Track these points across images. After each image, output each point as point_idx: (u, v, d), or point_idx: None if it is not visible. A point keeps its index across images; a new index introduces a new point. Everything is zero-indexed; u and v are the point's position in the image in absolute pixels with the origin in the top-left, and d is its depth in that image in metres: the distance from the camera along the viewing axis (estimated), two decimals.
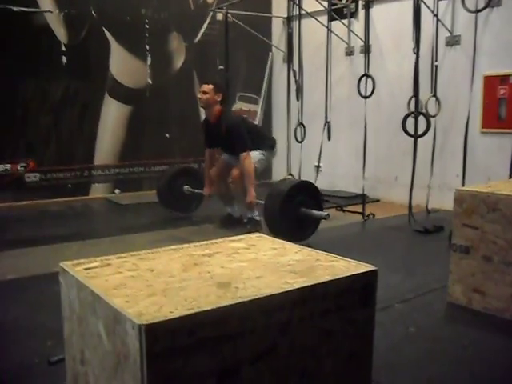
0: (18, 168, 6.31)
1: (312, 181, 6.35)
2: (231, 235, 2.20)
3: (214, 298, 1.41)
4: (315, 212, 4.43)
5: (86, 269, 1.69)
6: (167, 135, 7.38)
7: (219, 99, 4.92)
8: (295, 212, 4.37)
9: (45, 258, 4.00)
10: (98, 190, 6.93)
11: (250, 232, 3.10)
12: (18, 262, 3.96)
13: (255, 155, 4.94)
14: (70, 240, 4.57)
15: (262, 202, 4.57)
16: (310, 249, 1.93)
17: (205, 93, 4.89)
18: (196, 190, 5.56)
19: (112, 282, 1.56)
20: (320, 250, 1.92)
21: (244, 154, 4.76)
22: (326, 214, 4.43)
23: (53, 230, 5.14)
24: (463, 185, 5.14)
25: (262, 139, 5.16)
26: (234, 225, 5.08)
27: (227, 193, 5.10)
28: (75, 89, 6.59)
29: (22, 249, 4.31)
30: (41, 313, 2.92)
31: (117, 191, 7.03)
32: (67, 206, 6.34)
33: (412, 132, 5.10)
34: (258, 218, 4.91)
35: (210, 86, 4.90)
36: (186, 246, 1.98)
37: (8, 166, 6.23)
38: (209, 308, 1.34)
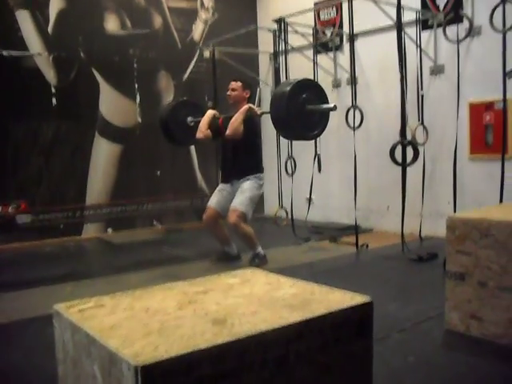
0: (10, 209, 6.29)
1: (304, 213, 6.40)
2: (227, 271, 2.19)
3: (210, 336, 1.40)
4: (322, 106, 4.44)
5: (80, 310, 1.68)
6: (158, 173, 7.40)
7: (247, 96, 4.95)
8: (302, 110, 4.37)
9: (38, 300, 3.96)
10: (90, 230, 6.89)
11: (258, 266, 3.09)
12: (10, 306, 3.91)
13: (254, 184, 4.86)
14: (64, 281, 4.53)
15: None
16: (304, 282, 1.93)
17: (233, 90, 4.91)
18: (199, 118, 5.46)
19: (107, 322, 1.55)
20: (315, 282, 1.92)
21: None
22: (332, 105, 4.42)
23: (45, 271, 5.10)
24: (455, 211, 5.17)
25: (260, 161, 5.14)
26: (232, 262, 4.98)
27: (222, 234, 5.03)
28: (66, 129, 6.63)
29: (15, 292, 4.26)
30: (35, 356, 2.88)
31: (109, 230, 7.00)
32: (60, 247, 6.30)
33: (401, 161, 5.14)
34: (262, 253, 4.87)
35: (239, 83, 4.93)
36: (180, 283, 1.97)
37: None
38: (205, 346, 1.33)
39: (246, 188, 4.81)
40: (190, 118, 5.64)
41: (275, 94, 4.51)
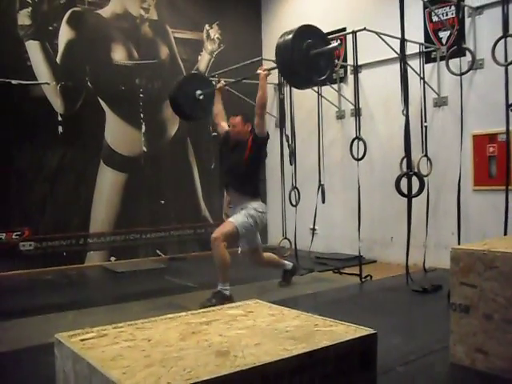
0: (13, 236, 6.29)
1: (307, 244, 6.39)
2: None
3: (213, 367, 1.39)
4: (325, 47, 4.52)
5: (81, 340, 1.67)
6: (162, 202, 7.41)
7: (249, 129, 4.90)
8: (307, 55, 4.45)
9: (39, 328, 3.93)
10: (93, 258, 6.88)
11: (214, 306, 2.95)
12: (11, 334, 3.88)
13: (256, 209, 4.81)
14: (66, 309, 4.50)
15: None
16: (308, 314, 1.91)
17: (234, 126, 4.88)
18: (208, 90, 5.57)
19: (109, 353, 1.54)
20: (318, 314, 1.90)
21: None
22: (336, 43, 4.56)
23: (48, 299, 5.07)
24: (459, 243, 5.14)
25: (259, 188, 5.14)
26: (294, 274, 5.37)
27: (269, 263, 5.25)
28: (71, 157, 6.67)
29: (16, 319, 4.23)
30: None
31: (112, 259, 6.99)
32: (62, 275, 6.28)
33: (406, 192, 5.14)
34: (227, 293, 4.56)
35: (238, 119, 4.87)
36: (183, 314, 1.96)
37: (3, 235, 6.21)
38: (207, 378, 1.32)
39: (237, 217, 4.74)
40: (198, 92, 5.67)
41: (279, 45, 4.57)
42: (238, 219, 4.71)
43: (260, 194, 5.03)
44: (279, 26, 8.08)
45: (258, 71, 4.89)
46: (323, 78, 4.66)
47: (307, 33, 4.58)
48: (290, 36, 4.45)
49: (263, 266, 5.26)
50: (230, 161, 4.96)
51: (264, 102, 4.82)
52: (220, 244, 4.58)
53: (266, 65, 7.61)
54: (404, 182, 5.11)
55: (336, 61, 7.16)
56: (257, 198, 4.90)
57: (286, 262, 5.39)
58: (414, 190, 5.10)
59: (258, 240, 5.01)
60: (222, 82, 5.37)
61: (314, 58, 4.51)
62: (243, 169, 4.80)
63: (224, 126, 5.14)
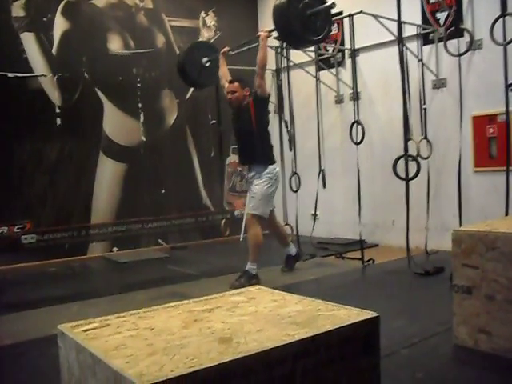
0: (15, 230, 6.30)
1: (309, 229, 6.39)
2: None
3: (216, 355, 1.39)
4: (321, 6, 4.53)
5: (84, 330, 1.67)
6: (163, 191, 7.41)
7: (248, 93, 4.94)
8: (303, 15, 4.46)
9: (43, 320, 3.95)
10: (95, 249, 6.89)
11: (242, 287, 3.04)
12: (15, 327, 3.90)
13: (261, 189, 4.88)
14: (69, 301, 4.52)
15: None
16: (310, 299, 1.91)
17: (233, 92, 4.90)
18: (214, 57, 5.63)
19: (112, 342, 1.54)
20: (321, 298, 1.90)
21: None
22: (331, 1, 4.54)
23: (51, 291, 5.09)
24: (460, 225, 5.15)
25: (271, 151, 5.12)
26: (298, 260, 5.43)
27: (278, 233, 5.32)
28: (70, 149, 6.66)
29: (20, 312, 4.25)
30: (40, 377, 2.86)
31: (115, 249, 7.00)
32: (65, 267, 6.29)
33: (403, 175, 5.13)
34: (254, 272, 4.81)
35: (236, 84, 4.92)
36: (185, 302, 1.96)
37: (4, 229, 6.21)
38: (210, 365, 1.32)
39: (256, 192, 4.88)
40: (205, 59, 5.75)
41: (275, 8, 4.55)
42: (260, 192, 4.86)
43: (273, 157, 5.06)
44: None
45: (259, 33, 4.93)
46: (320, 37, 4.65)
47: None
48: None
49: (274, 230, 5.29)
50: (239, 128, 5.07)
51: (264, 63, 4.85)
52: (256, 222, 4.82)
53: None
54: (402, 164, 5.11)
55: (333, 45, 7.14)
56: (271, 162, 4.98)
57: (292, 245, 5.41)
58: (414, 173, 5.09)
59: (272, 201, 5.11)
60: (227, 47, 5.42)
61: (311, 17, 4.52)
62: (254, 133, 4.87)
63: (228, 95, 5.11)
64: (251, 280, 4.64)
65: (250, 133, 4.88)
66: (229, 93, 4.95)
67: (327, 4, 4.55)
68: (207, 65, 5.77)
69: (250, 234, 4.86)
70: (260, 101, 4.88)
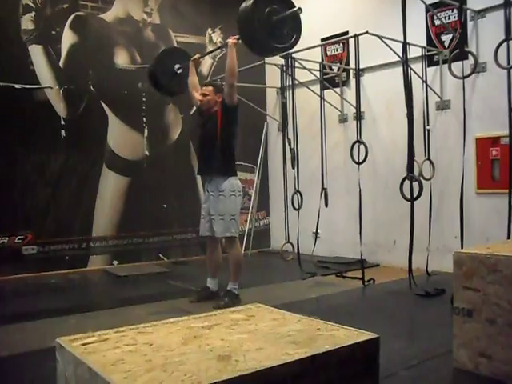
0: (16, 240, 6.30)
1: (310, 248, 6.37)
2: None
3: (215, 372, 1.39)
4: (287, 12, 4.28)
5: (83, 344, 1.66)
6: (165, 206, 7.42)
7: (220, 100, 4.78)
8: (269, 22, 4.24)
9: (41, 332, 3.93)
10: (96, 262, 6.88)
11: (227, 307, 2.97)
12: (13, 338, 3.87)
13: (229, 208, 4.67)
14: (68, 313, 4.49)
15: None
16: (310, 318, 1.91)
17: (205, 95, 4.80)
18: (186, 64, 5.45)
19: (110, 357, 1.54)
20: (320, 318, 1.90)
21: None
22: (297, 7, 4.28)
23: (50, 303, 5.07)
24: (462, 246, 5.12)
25: (234, 161, 4.88)
26: (211, 299, 4.81)
27: (216, 260, 4.96)
28: (73, 161, 6.68)
29: (18, 323, 4.22)
30: None
31: (115, 263, 6.99)
32: (65, 279, 6.28)
33: (408, 196, 5.13)
34: (237, 292, 4.71)
35: (210, 88, 4.83)
36: (185, 318, 1.96)
37: (5, 239, 6.22)
38: (209, 382, 1.31)
39: (224, 212, 4.66)
40: (177, 65, 5.56)
41: (240, 12, 4.32)
42: (229, 212, 4.65)
43: (235, 170, 4.85)
44: None
45: (228, 40, 4.76)
46: (285, 45, 4.41)
47: None
48: (250, 2, 4.24)
49: (217, 257, 4.97)
50: (203, 135, 4.88)
51: (233, 71, 4.63)
52: (233, 243, 4.70)
53: (269, 69, 7.66)
54: (406, 185, 5.11)
55: (339, 64, 7.18)
56: (232, 174, 4.77)
57: (214, 279, 4.98)
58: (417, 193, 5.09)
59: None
60: (197, 55, 5.33)
61: (278, 24, 4.29)
62: (217, 142, 4.69)
63: (198, 97, 4.98)
64: (235, 300, 4.57)
65: (213, 142, 4.68)
66: (201, 95, 4.84)
67: (293, 9, 4.31)
68: (179, 72, 5.55)
69: (231, 255, 4.71)
70: (228, 110, 4.71)
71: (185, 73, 5.40)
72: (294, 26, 4.44)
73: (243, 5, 4.34)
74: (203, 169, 4.90)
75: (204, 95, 4.82)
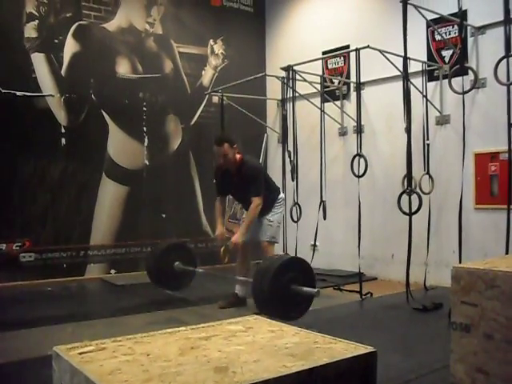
0: (14, 247, 6.29)
1: (308, 260, 6.36)
2: (230, 317, 2.17)
3: (211, 383, 1.38)
4: (305, 289, 4.18)
5: (80, 353, 1.66)
6: (164, 215, 7.41)
7: (237, 150, 4.91)
8: (285, 289, 4.11)
9: (37, 340, 3.91)
10: (93, 271, 6.87)
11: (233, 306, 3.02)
12: (9, 346, 3.86)
13: (277, 217, 5.11)
14: (65, 321, 4.48)
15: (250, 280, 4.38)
16: (307, 331, 1.91)
17: (225, 155, 4.83)
18: (187, 267, 5.49)
19: (107, 366, 1.53)
20: (318, 330, 1.89)
21: (256, 198, 4.80)
22: (315, 290, 4.17)
23: (47, 311, 5.05)
24: (460, 261, 5.12)
25: (275, 190, 5.24)
26: (238, 305, 4.98)
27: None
28: (73, 169, 6.69)
29: (15, 331, 4.21)
30: None
31: (113, 271, 6.97)
32: (62, 287, 6.26)
33: (406, 210, 5.14)
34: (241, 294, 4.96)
35: (225, 146, 4.81)
36: (182, 328, 1.95)
37: (3, 246, 6.20)
38: None
39: (273, 220, 5.08)
40: (177, 264, 5.51)
41: (259, 270, 4.24)
42: (277, 220, 5.11)
43: (279, 189, 5.34)
44: (283, 42, 8.15)
45: (232, 240, 4.89)
46: (297, 314, 4.19)
47: (293, 264, 4.28)
48: (275, 266, 4.13)
49: (247, 260, 5.25)
50: (238, 191, 5.21)
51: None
52: (273, 248, 5.10)
53: (270, 81, 7.69)
54: (405, 199, 5.12)
55: (339, 78, 7.22)
56: (276, 205, 5.15)
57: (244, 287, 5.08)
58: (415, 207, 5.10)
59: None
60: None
61: (294, 292, 4.16)
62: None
63: (221, 161, 5.03)
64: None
65: (249, 197, 4.91)
66: (220, 157, 4.89)
67: (313, 291, 4.17)
68: (178, 270, 5.51)
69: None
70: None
71: (186, 273, 5.52)
72: (305, 300, 4.32)
73: (263, 265, 4.29)
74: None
75: (224, 156, 4.86)
